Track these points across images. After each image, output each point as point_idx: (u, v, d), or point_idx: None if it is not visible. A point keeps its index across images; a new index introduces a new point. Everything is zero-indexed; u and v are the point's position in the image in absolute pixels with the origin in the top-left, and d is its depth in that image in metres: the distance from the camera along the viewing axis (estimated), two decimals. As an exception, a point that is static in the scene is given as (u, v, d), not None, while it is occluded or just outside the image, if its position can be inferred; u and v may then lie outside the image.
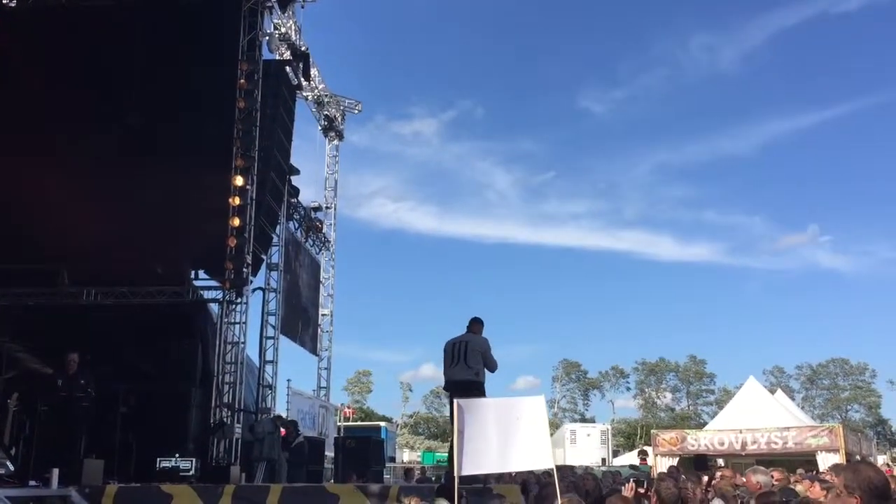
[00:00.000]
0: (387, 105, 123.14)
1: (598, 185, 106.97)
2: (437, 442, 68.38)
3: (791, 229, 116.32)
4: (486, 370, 9.74)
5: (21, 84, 15.40)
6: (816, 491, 7.19)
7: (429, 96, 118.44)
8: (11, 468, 10.52)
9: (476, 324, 9.94)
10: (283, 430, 16.13)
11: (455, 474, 5.67)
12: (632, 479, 8.85)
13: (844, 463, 20.02)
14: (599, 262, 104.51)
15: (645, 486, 8.00)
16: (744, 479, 8.56)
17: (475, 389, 9.22)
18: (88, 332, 14.18)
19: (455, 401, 6.00)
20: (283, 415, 18.48)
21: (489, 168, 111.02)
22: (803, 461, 24.85)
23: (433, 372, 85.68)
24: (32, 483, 9.66)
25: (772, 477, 8.21)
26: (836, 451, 26.84)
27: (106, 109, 15.41)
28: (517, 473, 9.77)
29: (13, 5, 16.20)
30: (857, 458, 27.38)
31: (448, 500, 5.69)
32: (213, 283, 15.56)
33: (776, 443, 28.27)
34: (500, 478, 9.27)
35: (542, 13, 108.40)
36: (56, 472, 9.25)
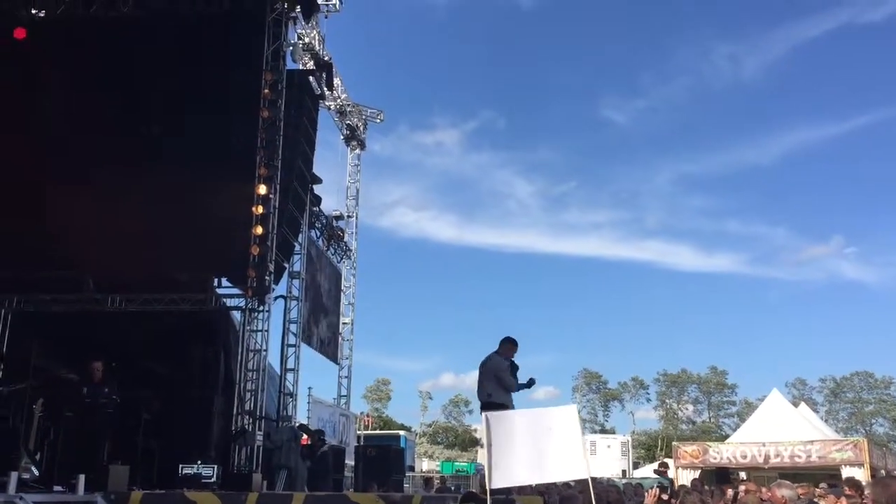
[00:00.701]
0: (410, 115, 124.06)
1: (620, 195, 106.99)
2: (455, 451, 68.34)
3: (814, 240, 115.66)
4: (506, 390, 9.85)
5: (46, 92, 15.58)
6: (843, 505, 7.11)
7: (451, 107, 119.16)
8: (37, 473, 10.62)
9: (502, 344, 10.13)
10: (306, 438, 16.18)
11: (487, 487, 5.65)
12: (655, 486, 8.79)
13: (859, 477, 19.77)
14: (620, 272, 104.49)
15: (669, 494, 7.94)
16: (769, 493, 8.47)
17: (488, 409, 9.37)
18: (113, 338, 14.29)
19: (484, 414, 6.01)
20: (305, 423, 18.55)
21: (510, 177, 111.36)
22: (827, 475, 24.54)
23: (452, 381, 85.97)
24: (58, 488, 9.74)
25: (797, 491, 8.11)
26: (860, 465, 26.54)
27: (131, 118, 15.57)
28: (538, 484, 9.77)
29: (42, 15, 16.45)
30: (882, 472, 27.02)
31: None
32: (235, 290, 15.63)
33: (800, 456, 27.99)
34: (522, 489, 9.25)
35: (563, 23, 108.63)
36: (82, 477, 9.32)
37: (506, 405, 9.62)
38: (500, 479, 5.62)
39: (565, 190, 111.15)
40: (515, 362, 10.11)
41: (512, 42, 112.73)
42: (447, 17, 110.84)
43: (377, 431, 48.64)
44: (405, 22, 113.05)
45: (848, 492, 9.43)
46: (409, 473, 31.10)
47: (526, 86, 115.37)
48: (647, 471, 37.89)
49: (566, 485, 9.65)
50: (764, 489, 9.99)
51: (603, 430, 72.06)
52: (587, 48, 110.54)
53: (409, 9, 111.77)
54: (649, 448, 69.86)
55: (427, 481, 25.34)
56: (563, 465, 5.70)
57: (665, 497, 8.10)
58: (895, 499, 3.55)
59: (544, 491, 10.18)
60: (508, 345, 10.10)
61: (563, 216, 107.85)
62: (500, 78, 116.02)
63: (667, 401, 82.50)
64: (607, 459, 40.45)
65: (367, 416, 59.28)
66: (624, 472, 38.86)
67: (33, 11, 16.23)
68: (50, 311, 14.92)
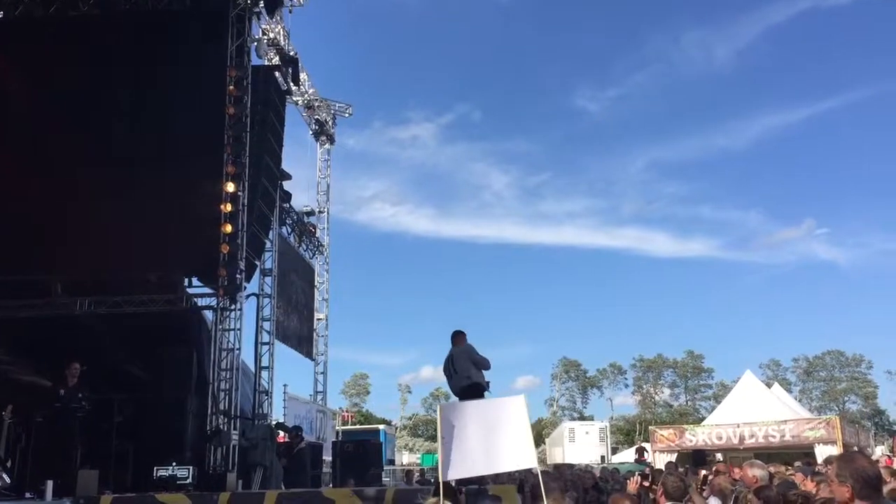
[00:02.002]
0: (384, 110, 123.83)
1: (595, 184, 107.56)
2: (436, 443, 68.41)
3: (787, 223, 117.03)
4: (480, 370, 10.01)
5: (9, 94, 15.36)
6: (809, 486, 7.21)
7: (426, 100, 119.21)
8: (7, 481, 10.49)
9: (456, 336, 10.43)
10: (283, 436, 16.12)
11: (440, 479, 5.68)
12: (637, 473, 8.87)
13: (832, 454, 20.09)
14: (596, 260, 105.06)
15: (650, 480, 8.01)
16: (741, 473, 8.57)
17: (473, 390, 9.72)
18: (83, 342, 14.13)
19: (439, 406, 6.03)
20: (282, 420, 18.47)
21: (486, 169, 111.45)
22: (801, 454, 24.94)
23: (432, 374, 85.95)
24: (28, 496, 9.64)
25: (769, 470, 8.22)
26: (833, 442, 26.96)
27: (95, 118, 15.38)
28: (516, 473, 9.85)
29: (0, 16, 16.19)
30: (855, 448, 27.46)
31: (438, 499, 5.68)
32: (206, 290, 15.50)
33: (774, 436, 28.38)
34: (497, 478, 9.30)
35: (536, 14, 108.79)
36: (50, 484, 9.24)
37: (482, 386, 9.79)
38: (453, 470, 5.64)
39: (540, 180, 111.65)
40: None
41: (485, 34, 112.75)
42: (420, 10, 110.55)
43: (357, 426, 48.60)
44: (378, 16, 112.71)
45: (821, 469, 9.59)
46: (389, 467, 31.13)
47: (500, 78, 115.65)
48: (626, 456, 38.22)
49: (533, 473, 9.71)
50: (736, 469, 10.13)
51: (582, 417, 72.50)
52: (560, 39, 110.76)
53: (382, 2, 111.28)
54: (628, 433, 70.45)
55: (408, 474, 25.33)
56: (514, 455, 5.73)
57: (647, 484, 8.16)
58: (859, 473, 3.60)
59: (522, 478, 10.26)
60: (461, 336, 10.39)
61: (539, 206, 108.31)
62: (474, 70, 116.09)
63: (644, 386, 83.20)
64: (586, 446, 40.69)
65: (347, 411, 59.25)
66: (603, 457, 39.13)
67: (-9, 13, 15.97)
68: (18, 317, 14.71)
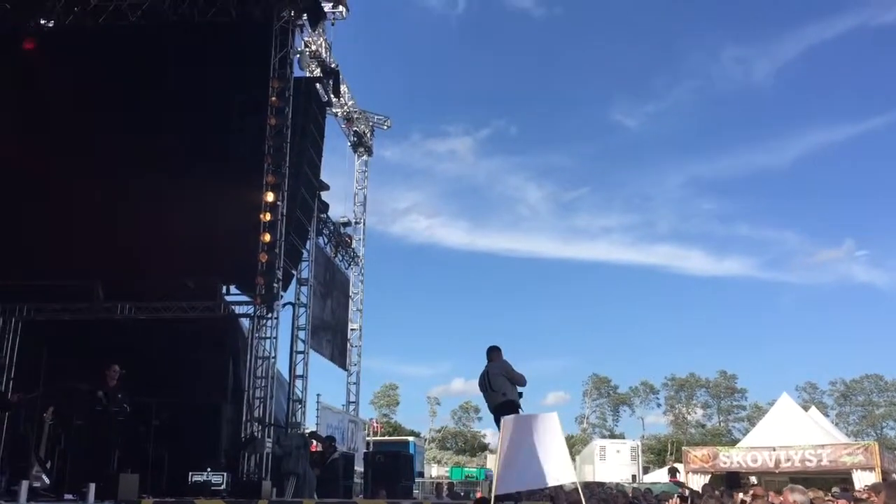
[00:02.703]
0: (423, 123, 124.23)
1: (630, 199, 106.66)
2: (465, 457, 68.21)
3: (826, 244, 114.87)
4: (515, 386, 9.98)
5: (55, 101, 15.70)
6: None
7: (464, 115, 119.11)
8: (47, 482, 10.65)
9: (492, 352, 10.36)
10: (317, 445, 16.18)
11: (493, 492, 5.70)
12: (676, 495, 8.78)
13: (870, 481, 19.67)
14: (631, 277, 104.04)
15: (689, 501, 7.92)
16: (780, 498, 8.44)
17: (507, 407, 9.58)
18: (122, 346, 14.34)
19: (503, 420, 6.08)
20: (314, 430, 18.55)
21: (521, 183, 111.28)
22: (838, 479, 24.41)
23: (463, 386, 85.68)
24: (69, 497, 9.77)
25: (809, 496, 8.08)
26: (871, 469, 26.32)
27: (140, 127, 15.66)
28: (547, 489, 9.82)
29: (51, 25, 16.58)
30: (894, 476, 26.84)
31: None
32: (244, 297, 15.69)
33: (810, 460, 27.79)
34: (531, 494, 9.27)
35: (574, 29, 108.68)
36: (93, 486, 9.36)
37: (517, 404, 9.75)
38: (504, 485, 5.67)
39: (576, 195, 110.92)
40: None
41: (523, 49, 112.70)
42: (459, 25, 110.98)
43: (386, 438, 48.63)
44: (419, 30, 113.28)
45: (863, 495, 9.39)
46: (418, 479, 31.07)
47: (537, 92, 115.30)
48: (657, 476, 37.76)
49: (575, 490, 9.65)
50: (773, 493, 9.97)
51: (612, 435, 71.80)
52: (598, 54, 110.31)
53: (421, 17, 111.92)
54: (659, 453, 69.58)
55: (437, 487, 25.32)
56: (555, 469, 5.75)
57: (684, 506, 8.06)
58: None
59: (553, 494, 10.21)
60: (496, 352, 10.34)
61: (574, 221, 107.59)
62: (512, 85, 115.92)
63: (676, 405, 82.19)
64: (617, 464, 40.23)
65: (377, 422, 59.29)
66: (634, 476, 38.64)
67: (42, 22, 16.35)
68: (60, 320, 14.99)
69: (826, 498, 9.68)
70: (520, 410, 9.76)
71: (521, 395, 10.18)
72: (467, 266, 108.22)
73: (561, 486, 9.92)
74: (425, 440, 66.42)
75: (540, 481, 6.11)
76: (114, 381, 11.43)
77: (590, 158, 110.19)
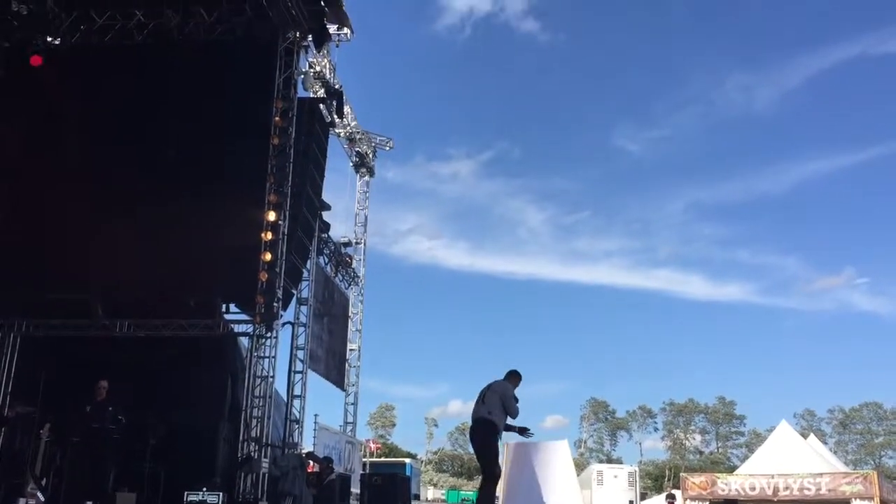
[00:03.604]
0: (426, 146, 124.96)
1: (631, 224, 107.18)
2: (461, 480, 67.78)
3: (826, 271, 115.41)
4: (505, 414, 9.90)
5: (60, 119, 15.75)
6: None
7: (467, 138, 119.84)
8: (43, 499, 10.60)
9: (509, 374, 10.25)
10: (314, 466, 16.10)
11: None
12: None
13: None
14: (630, 301, 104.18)
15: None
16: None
17: (483, 425, 9.46)
18: (121, 363, 14.30)
19: (505, 446, 6.06)
20: (312, 450, 18.46)
21: (522, 206, 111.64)
22: (837, 509, 24.30)
23: (460, 408, 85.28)
24: (63, 514, 9.72)
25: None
26: (871, 498, 26.24)
27: (143, 145, 15.71)
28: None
29: (57, 43, 16.68)
30: (894, 506, 26.71)
31: None
32: (243, 316, 15.68)
33: (809, 489, 27.69)
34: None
35: (577, 54, 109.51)
36: (88, 504, 9.31)
37: (498, 428, 9.64)
38: None
39: (577, 218, 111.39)
40: (516, 395, 10.24)
41: (528, 73, 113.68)
42: (465, 49, 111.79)
43: (383, 459, 48.37)
44: (424, 53, 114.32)
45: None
46: (415, 502, 30.86)
47: (541, 116, 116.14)
48: (655, 502, 37.54)
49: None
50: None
51: (610, 460, 71.44)
52: (602, 79, 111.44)
53: (428, 41, 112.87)
54: (657, 478, 69.22)
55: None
56: (561, 498, 5.74)
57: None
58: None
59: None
60: (515, 377, 10.22)
61: (574, 244, 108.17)
62: (515, 109, 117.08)
63: (674, 430, 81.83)
64: (614, 489, 39.88)
65: (374, 442, 58.96)
66: (631, 502, 38.37)
67: (49, 39, 16.45)
68: (59, 336, 14.97)
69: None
70: (498, 435, 9.68)
71: (506, 427, 10.05)
72: (467, 288, 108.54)
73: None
74: (422, 462, 66.08)
75: None
76: (101, 396, 11.42)
77: (591, 182, 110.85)
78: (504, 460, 5.95)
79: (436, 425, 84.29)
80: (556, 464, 5.85)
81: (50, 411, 12.22)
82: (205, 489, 12.37)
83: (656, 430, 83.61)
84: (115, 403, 11.43)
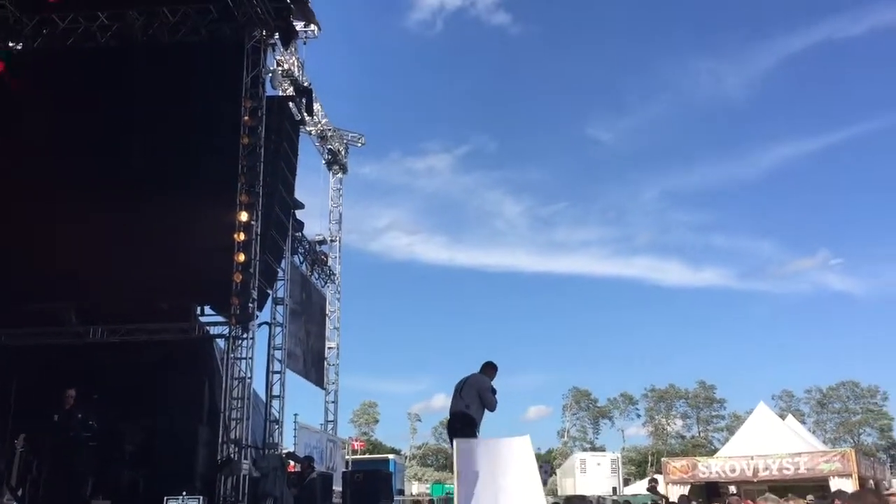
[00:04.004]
0: (402, 142, 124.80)
1: (608, 213, 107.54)
2: (446, 473, 67.78)
3: (801, 253, 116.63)
4: (483, 408, 9.95)
5: (24, 123, 15.56)
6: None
7: (443, 132, 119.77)
8: (18, 510, 10.49)
9: (484, 366, 10.31)
10: (295, 466, 16.04)
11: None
12: (650, 502, 8.80)
13: (847, 488, 19.82)
14: (609, 289, 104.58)
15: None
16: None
17: (461, 419, 9.62)
18: (95, 370, 14.17)
19: (455, 442, 6.04)
20: (292, 450, 18.39)
21: (499, 198, 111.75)
22: (816, 487, 24.63)
23: (444, 402, 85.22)
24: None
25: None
26: (848, 475, 26.56)
27: (111, 148, 15.55)
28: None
29: (20, 48, 16.46)
30: (871, 482, 27.12)
31: None
32: (219, 318, 15.57)
33: (788, 469, 27.99)
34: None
35: (549, 46, 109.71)
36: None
37: (476, 422, 9.69)
38: None
39: (554, 209, 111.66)
40: (494, 387, 10.26)
41: (500, 66, 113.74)
42: (437, 44, 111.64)
43: (366, 456, 48.29)
44: (397, 49, 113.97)
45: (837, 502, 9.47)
46: (398, 497, 30.88)
47: (514, 109, 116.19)
48: (638, 487, 37.84)
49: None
50: (750, 502, 10.03)
51: (593, 448, 71.84)
52: (574, 70, 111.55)
53: (400, 37, 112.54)
54: (640, 465, 69.71)
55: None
56: (523, 495, 5.72)
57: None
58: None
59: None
60: (491, 369, 10.28)
61: (552, 234, 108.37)
62: (490, 102, 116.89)
63: (655, 416, 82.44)
64: (598, 477, 40.24)
65: (357, 440, 58.89)
66: (614, 489, 38.70)
67: (10, 44, 16.22)
68: (32, 345, 14.79)
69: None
70: (476, 429, 9.72)
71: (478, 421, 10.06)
72: (447, 281, 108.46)
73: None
74: (406, 457, 66.06)
75: None
76: (69, 405, 11.33)
77: (567, 173, 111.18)
78: (455, 458, 5.91)
79: (419, 420, 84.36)
80: (518, 460, 5.82)
81: (24, 421, 12.08)
82: (185, 493, 12.28)
83: (638, 416, 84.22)
84: (84, 410, 11.33)
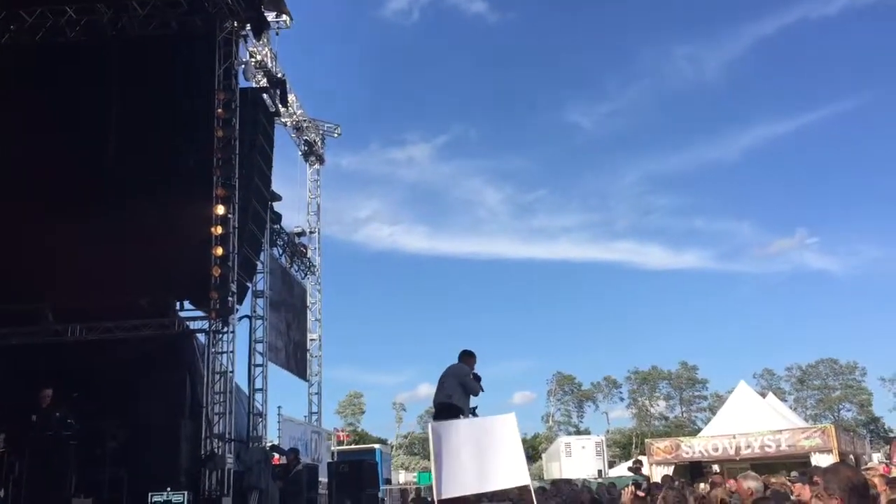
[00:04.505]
0: (382, 132, 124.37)
1: (588, 198, 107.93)
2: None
3: (779, 233, 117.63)
4: (468, 395, 10.05)
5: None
6: (806, 494, 7.23)
7: (422, 122, 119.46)
8: (0, 511, 10.42)
9: (462, 355, 10.44)
10: (280, 458, 16.03)
11: (435, 498, 5.70)
12: (631, 483, 8.89)
13: (828, 463, 20.08)
14: (591, 274, 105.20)
15: (644, 490, 8.02)
16: (736, 486, 8.59)
17: (446, 410, 9.66)
18: (75, 368, 14.06)
19: (430, 425, 6.08)
20: (276, 442, 18.38)
21: (480, 186, 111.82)
22: (798, 463, 24.93)
23: (429, 391, 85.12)
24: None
25: (763, 482, 8.23)
26: (829, 451, 26.96)
27: (84, 144, 15.38)
28: (515, 490, 9.85)
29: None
30: (851, 457, 27.50)
31: None
32: (198, 313, 15.48)
33: (769, 446, 28.37)
34: (495, 496, 9.29)
35: (528, 33, 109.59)
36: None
37: (462, 410, 9.75)
38: (448, 488, 5.67)
39: (535, 196, 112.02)
40: (477, 373, 10.35)
41: (479, 54, 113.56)
42: (414, 34, 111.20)
43: (352, 447, 48.33)
44: (375, 39, 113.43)
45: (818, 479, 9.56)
46: (385, 486, 30.95)
47: (493, 97, 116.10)
48: (623, 469, 38.12)
49: (540, 489, 9.70)
50: (731, 481, 10.14)
51: (578, 432, 72.35)
52: (552, 57, 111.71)
53: (377, 27, 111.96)
54: (624, 447, 70.32)
55: (403, 494, 25.25)
56: (507, 472, 5.78)
57: (641, 494, 8.17)
58: (845, 483, 3.65)
59: (518, 496, 10.24)
60: (469, 358, 10.40)
61: (533, 221, 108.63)
62: (469, 91, 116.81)
63: (639, 399, 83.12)
64: (583, 460, 40.61)
65: (342, 431, 58.88)
66: (600, 471, 39.04)
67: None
68: (8, 345, 14.64)
69: (786, 480, 9.85)
70: (463, 417, 9.79)
71: (474, 408, 10.13)
72: (429, 271, 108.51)
73: (525, 487, 9.98)
74: (392, 447, 66.20)
75: (494, 484, 6.12)
76: (46, 404, 11.28)
77: (547, 160, 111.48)
78: (430, 441, 5.94)
79: (404, 410, 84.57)
80: (504, 437, 5.85)
81: (3, 422, 11.98)
82: (169, 489, 12.27)
83: (622, 399, 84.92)
84: (63, 409, 11.26)
